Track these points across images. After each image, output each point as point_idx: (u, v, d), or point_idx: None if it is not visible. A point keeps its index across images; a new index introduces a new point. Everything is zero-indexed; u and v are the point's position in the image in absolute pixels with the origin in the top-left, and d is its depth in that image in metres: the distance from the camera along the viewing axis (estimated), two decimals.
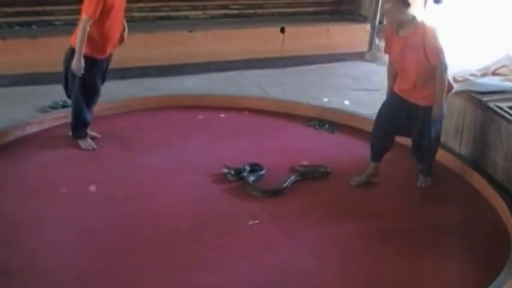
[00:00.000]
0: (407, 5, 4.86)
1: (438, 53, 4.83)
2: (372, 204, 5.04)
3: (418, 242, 4.59)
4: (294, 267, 4.20)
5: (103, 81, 5.59)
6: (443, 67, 4.83)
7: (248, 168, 5.21)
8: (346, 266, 4.27)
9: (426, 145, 5.11)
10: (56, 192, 4.87)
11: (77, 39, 5.13)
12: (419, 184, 5.29)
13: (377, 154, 5.22)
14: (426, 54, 4.82)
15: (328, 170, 5.32)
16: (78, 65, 5.16)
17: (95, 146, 5.55)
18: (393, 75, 5.15)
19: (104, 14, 5.14)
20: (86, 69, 5.22)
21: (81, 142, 5.53)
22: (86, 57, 5.18)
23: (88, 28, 5.10)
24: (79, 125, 5.51)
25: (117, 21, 5.34)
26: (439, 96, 4.89)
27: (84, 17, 5.11)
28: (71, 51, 5.25)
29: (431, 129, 5.04)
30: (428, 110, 4.95)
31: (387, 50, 5.12)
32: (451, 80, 5.69)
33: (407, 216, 4.91)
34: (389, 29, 5.04)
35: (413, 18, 4.91)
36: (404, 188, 5.30)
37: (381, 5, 8.53)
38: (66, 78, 5.46)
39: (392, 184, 5.35)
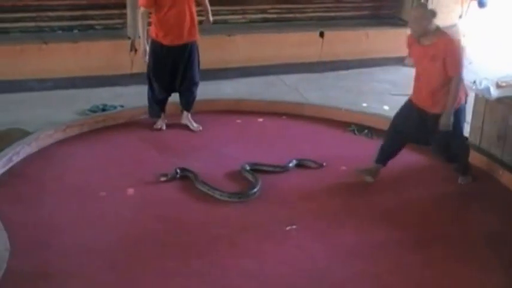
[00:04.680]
0: (434, 14, 4.89)
1: (457, 66, 4.87)
2: (409, 211, 4.96)
3: (457, 251, 4.49)
4: (330, 274, 4.15)
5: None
6: (459, 79, 4.86)
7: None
8: (383, 274, 4.19)
9: (457, 144, 5.10)
10: (95, 195, 4.92)
11: None
12: (459, 182, 5.30)
13: (385, 157, 5.23)
14: (445, 65, 4.83)
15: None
16: None
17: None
18: None
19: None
20: None
21: None
22: None
23: None
24: None
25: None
26: (450, 106, 4.89)
27: None
28: None
29: (459, 128, 5.05)
30: (437, 117, 4.94)
31: (410, 55, 5.19)
32: (492, 88, 5.60)
33: (445, 225, 4.82)
34: (411, 36, 5.03)
35: (437, 28, 4.92)
36: (442, 196, 5.21)
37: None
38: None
39: (429, 191, 5.26)
